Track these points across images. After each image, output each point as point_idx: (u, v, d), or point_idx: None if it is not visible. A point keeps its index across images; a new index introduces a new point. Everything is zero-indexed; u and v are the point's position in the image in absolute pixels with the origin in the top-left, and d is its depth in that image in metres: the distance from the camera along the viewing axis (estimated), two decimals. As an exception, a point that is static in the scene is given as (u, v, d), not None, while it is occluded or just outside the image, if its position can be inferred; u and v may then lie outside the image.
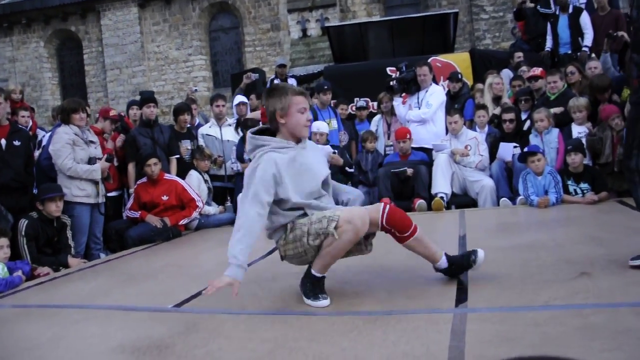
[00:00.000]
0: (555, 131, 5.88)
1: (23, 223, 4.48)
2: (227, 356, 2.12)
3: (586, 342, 1.90)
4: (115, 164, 6.03)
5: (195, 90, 8.86)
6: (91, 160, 5.20)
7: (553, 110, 6.01)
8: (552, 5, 8.61)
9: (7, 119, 4.99)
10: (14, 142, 4.87)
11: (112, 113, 6.35)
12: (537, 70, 6.77)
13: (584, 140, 5.58)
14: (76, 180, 5.08)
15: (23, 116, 6.47)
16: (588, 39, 7.96)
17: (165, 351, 2.23)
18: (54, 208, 4.63)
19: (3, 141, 4.79)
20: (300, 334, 2.29)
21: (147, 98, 6.49)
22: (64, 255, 4.66)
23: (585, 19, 8.03)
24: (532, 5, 9.09)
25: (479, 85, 7.79)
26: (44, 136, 6.36)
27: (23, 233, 4.43)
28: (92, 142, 5.35)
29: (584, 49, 7.97)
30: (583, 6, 8.50)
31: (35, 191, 5.07)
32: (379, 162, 6.62)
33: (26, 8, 17.22)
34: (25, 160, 5.00)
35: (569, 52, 8.21)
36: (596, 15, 8.19)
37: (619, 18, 8.02)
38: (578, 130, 5.78)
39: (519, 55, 8.32)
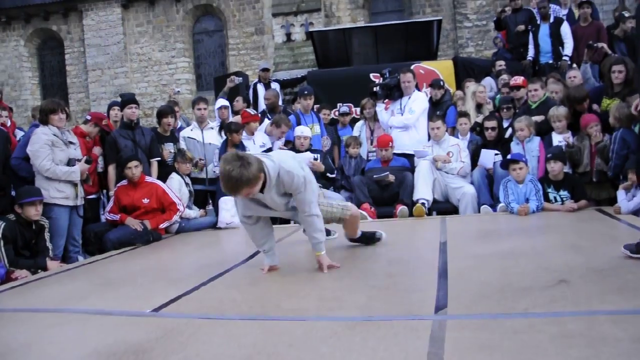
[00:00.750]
0: (537, 139, 5.94)
1: (0, 225, 4.39)
2: (204, 362, 2.09)
3: (564, 350, 1.92)
4: (100, 170, 5.97)
5: (178, 92, 8.79)
6: (70, 162, 5.12)
7: (534, 118, 6.07)
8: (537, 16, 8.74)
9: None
10: None
11: (104, 122, 6.30)
12: (519, 79, 6.85)
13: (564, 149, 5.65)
14: (55, 182, 4.99)
15: (1, 116, 6.35)
16: (568, 48, 8.10)
17: (142, 356, 2.20)
18: (34, 212, 4.56)
19: None
20: (279, 339, 2.27)
21: (129, 100, 6.40)
22: (42, 259, 4.58)
23: (565, 29, 8.17)
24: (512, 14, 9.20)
25: (458, 93, 7.85)
26: (22, 136, 6.24)
27: (0, 235, 4.35)
28: (71, 143, 5.26)
29: (564, 58, 8.09)
30: (564, 17, 8.65)
31: (13, 193, 4.97)
32: (361, 168, 6.64)
33: (6, 5, 16.95)
34: (2, 161, 4.90)
35: (550, 61, 8.34)
36: (577, 26, 8.33)
37: (601, 29, 8.16)
38: (558, 139, 5.85)
39: (500, 64, 8.41)
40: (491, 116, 6.65)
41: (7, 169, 5.01)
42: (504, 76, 7.67)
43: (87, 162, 5.29)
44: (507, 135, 6.38)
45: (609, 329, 2.07)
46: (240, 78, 9.03)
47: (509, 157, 5.71)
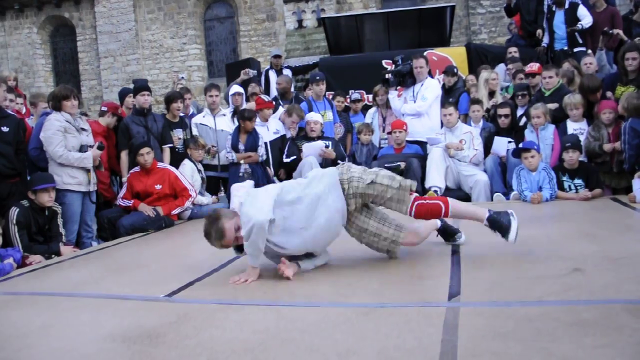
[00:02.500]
0: (551, 127, 5.88)
1: (14, 211, 4.43)
2: (218, 346, 2.10)
3: (579, 338, 1.91)
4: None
5: (182, 78, 8.76)
6: (83, 148, 5.15)
7: (548, 106, 6.00)
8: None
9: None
10: (2, 128, 4.79)
11: (120, 110, 6.35)
12: (534, 67, 6.76)
13: (581, 138, 5.58)
14: (67, 168, 5.04)
15: (16, 103, 6.39)
16: (588, 23, 7.86)
17: (156, 340, 2.22)
18: (47, 198, 4.60)
19: None
20: (292, 325, 2.28)
21: (141, 86, 6.41)
22: (56, 244, 4.63)
23: (582, 11, 7.97)
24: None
25: (470, 77, 7.77)
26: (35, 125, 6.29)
27: (14, 221, 4.39)
28: (83, 129, 5.29)
29: (578, 25, 7.86)
30: (579, 2, 8.49)
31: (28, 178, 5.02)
32: (373, 155, 6.61)
33: (19, -7, 17.05)
34: (15, 146, 4.94)
35: (565, 47, 8.21)
36: (592, 12, 8.18)
37: (615, 15, 8.01)
38: (574, 127, 5.78)
39: (513, 50, 8.31)
40: (504, 103, 6.58)
41: (21, 155, 5.05)
42: (510, 66, 7.59)
43: (99, 148, 5.32)
44: (521, 123, 6.32)
45: (624, 318, 2.06)
46: (255, 71, 9.01)
47: (520, 145, 5.66)
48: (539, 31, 8.49)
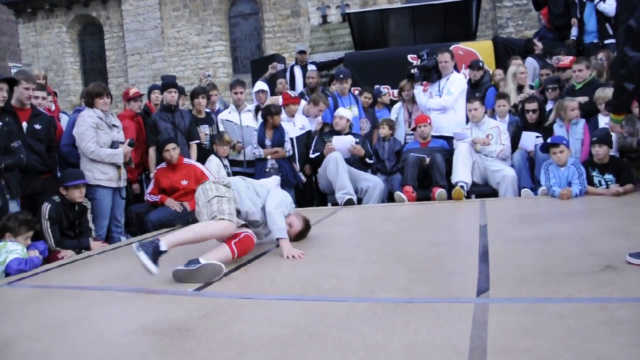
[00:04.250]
0: (582, 122, 5.77)
1: (46, 207, 4.57)
2: (247, 340, 2.12)
3: (611, 337, 1.87)
4: None
5: (209, 75, 8.85)
6: (114, 144, 5.25)
7: (578, 99, 5.89)
8: None
9: (30, 104, 5.02)
10: (35, 125, 4.92)
11: (132, 92, 6.37)
12: (567, 60, 6.62)
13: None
14: (99, 164, 5.14)
15: (46, 100, 6.51)
16: (610, 10, 7.65)
17: (186, 334, 2.25)
18: (78, 194, 4.73)
19: (24, 124, 4.84)
20: (320, 319, 2.29)
21: (169, 83, 6.49)
22: (86, 239, 4.74)
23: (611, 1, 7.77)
24: None
25: (498, 72, 7.66)
26: (67, 121, 6.41)
27: (47, 217, 4.52)
28: (115, 126, 5.40)
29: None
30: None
31: (59, 174, 5.14)
32: (396, 150, 6.57)
33: (49, -7, 17.39)
34: (47, 143, 5.05)
35: (595, 40, 8.03)
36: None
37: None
38: (605, 121, 5.65)
39: (536, 44, 8.17)
40: (532, 98, 6.47)
41: (52, 152, 5.17)
42: (522, 60, 7.47)
43: (130, 144, 5.41)
44: (550, 118, 6.21)
45: (659, 316, 2.02)
46: (282, 65, 9.04)
47: (549, 140, 5.56)
48: (574, 20, 8.31)
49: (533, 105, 6.23)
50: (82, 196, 4.80)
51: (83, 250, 4.60)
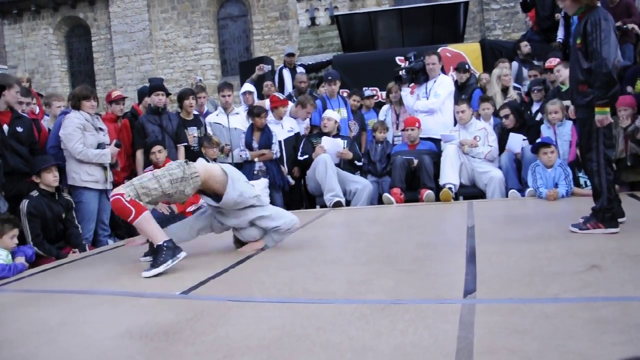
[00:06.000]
0: (569, 124, 5.81)
1: (24, 203, 4.42)
2: (234, 343, 2.11)
3: (597, 335, 1.89)
4: None
5: (200, 80, 8.84)
6: (100, 146, 5.22)
7: (565, 102, 5.94)
8: None
9: (9, 107, 4.94)
10: (17, 128, 4.85)
11: (114, 94, 6.29)
12: (554, 62, 6.68)
13: None
14: (85, 165, 5.11)
15: (29, 104, 6.43)
16: None
17: (172, 337, 2.23)
18: (52, 178, 4.60)
19: (5, 127, 4.77)
20: (308, 321, 2.29)
21: (156, 86, 6.46)
22: (64, 253, 4.60)
23: None
24: None
25: (484, 76, 7.71)
26: (53, 125, 6.33)
27: (25, 212, 4.39)
28: (100, 129, 5.37)
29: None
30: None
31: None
32: (387, 153, 6.60)
33: (35, -5, 17.26)
34: (30, 146, 5.00)
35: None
36: (606, 7, 8.05)
37: (630, 6, 7.84)
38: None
39: (525, 44, 8.24)
40: (504, 105, 6.51)
41: (36, 154, 5.09)
42: (509, 63, 7.52)
43: (116, 145, 5.39)
44: (538, 118, 6.26)
45: (643, 315, 2.04)
46: (269, 66, 9.03)
47: (539, 140, 5.60)
48: (558, 15, 8.36)
49: (505, 112, 6.29)
50: (57, 179, 4.66)
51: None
